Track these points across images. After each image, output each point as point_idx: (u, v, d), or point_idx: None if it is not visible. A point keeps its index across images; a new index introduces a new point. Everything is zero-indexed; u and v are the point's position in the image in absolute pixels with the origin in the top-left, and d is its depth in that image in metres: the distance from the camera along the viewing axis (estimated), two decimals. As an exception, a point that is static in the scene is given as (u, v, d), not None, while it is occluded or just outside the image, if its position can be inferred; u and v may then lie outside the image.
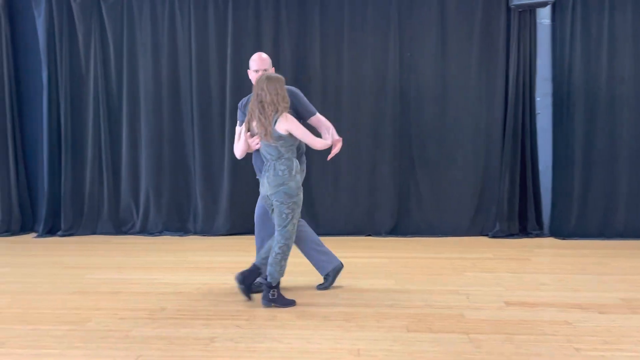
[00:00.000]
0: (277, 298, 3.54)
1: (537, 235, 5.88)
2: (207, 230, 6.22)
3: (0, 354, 2.79)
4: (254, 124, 3.48)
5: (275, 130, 3.40)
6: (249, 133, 3.57)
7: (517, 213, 5.92)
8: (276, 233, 3.53)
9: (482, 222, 6.00)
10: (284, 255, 3.51)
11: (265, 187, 3.52)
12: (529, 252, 5.18)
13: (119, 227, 6.33)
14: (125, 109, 6.24)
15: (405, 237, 5.95)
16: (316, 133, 3.71)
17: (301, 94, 3.80)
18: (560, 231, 5.87)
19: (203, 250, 5.40)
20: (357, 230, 6.07)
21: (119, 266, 4.70)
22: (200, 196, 6.20)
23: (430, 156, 6.01)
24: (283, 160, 3.46)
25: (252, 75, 3.80)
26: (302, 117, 3.76)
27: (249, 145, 3.60)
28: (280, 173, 3.44)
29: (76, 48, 6.23)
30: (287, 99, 3.47)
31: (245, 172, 6.13)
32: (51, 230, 6.24)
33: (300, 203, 3.52)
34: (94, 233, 6.27)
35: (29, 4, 6.21)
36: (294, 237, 3.55)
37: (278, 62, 6.06)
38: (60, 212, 6.25)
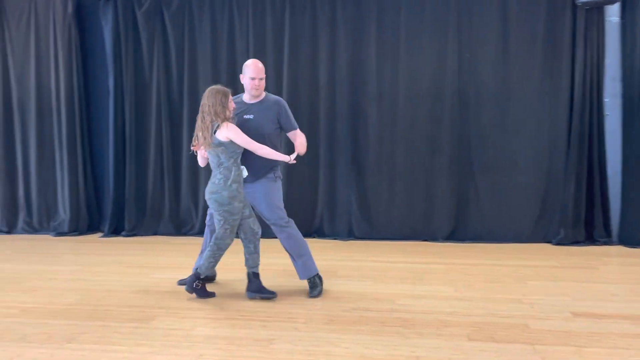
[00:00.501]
0: (199, 289, 3.81)
1: (605, 243, 5.60)
2: (263, 232, 6.23)
3: (72, 348, 2.92)
4: (200, 133, 3.70)
5: (215, 138, 3.62)
6: (197, 143, 3.77)
7: (583, 219, 5.66)
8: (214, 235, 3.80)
9: (545, 229, 5.78)
10: (213, 254, 3.77)
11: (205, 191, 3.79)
12: (597, 261, 4.94)
13: (179, 228, 6.51)
14: (186, 114, 6.42)
15: (463, 242, 5.81)
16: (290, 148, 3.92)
17: (287, 107, 3.94)
18: (630, 239, 5.56)
19: (260, 252, 5.45)
20: (412, 234, 5.98)
21: (179, 266, 4.83)
22: (256, 199, 6.28)
23: (490, 160, 5.84)
24: (222, 169, 3.68)
25: (247, 82, 3.89)
26: (283, 128, 3.92)
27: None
28: (216, 181, 3.69)
29: (140, 55, 6.47)
30: (229, 110, 3.68)
31: (300, 177, 6.19)
32: (116, 230, 6.50)
33: (235, 211, 3.70)
34: (155, 234, 6.48)
35: (97, 13, 6.51)
36: (226, 241, 3.78)
37: (334, 66, 6.09)
38: (124, 213, 6.50)
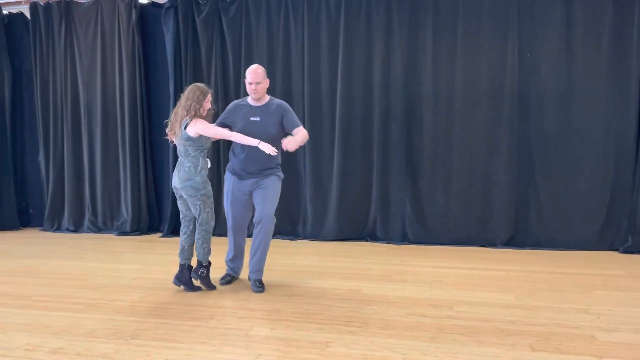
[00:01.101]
0: (204, 277, 4.09)
1: (678, 252, 5.29)
2: (316, 234, 6.32)
3: (136, 344, 3.03)
4: (174, 124, 4.01)
5: (185, 133, 3.90)
6: (171, 133, 4.05)
7: (654, 227, 5.37)
8: (197, 222, 4.03)
9: (611, 236, 5.51)
10: (204, 239, 4.05)
11: (175, 181, 4.02)
12: (669, 271, 4.67)
13: (235, 229, 6.62)
14: (242, 117, 6.53)
15: (523, 249, 5.63)
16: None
17: (289, 109, 4.14)
18: None
19: (312, 254, 5.49)
20: (469, 240, 5.85)
21: (236, 267, 4.92)
22: (309, 201, 6.33)
23: (552, 163, 5.63)
24: (190, 158, 3.94)
25: (247, 86, 4.11)
26: (285, 128, 4.09)
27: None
28: (186, 169, 3.93)
29: (199, 60, 6.64)
30: (203, 108, 3.93)
31: (354, 178, 6.18)
32: (174, 230, 6.69)
33: (210, 194, 4.01)
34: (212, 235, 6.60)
35: (159, 20, 6.74)
36: (211, 223, 4.05)
37: (388, 68, 6.04)
38: (183, 214, 6.68)
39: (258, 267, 4.14)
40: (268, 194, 4.07)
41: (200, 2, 6.59)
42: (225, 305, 3.73)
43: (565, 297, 3.87)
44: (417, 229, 6.00)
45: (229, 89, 6.61)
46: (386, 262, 5.09)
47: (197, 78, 6.64)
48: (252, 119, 4.04)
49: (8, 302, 3.86)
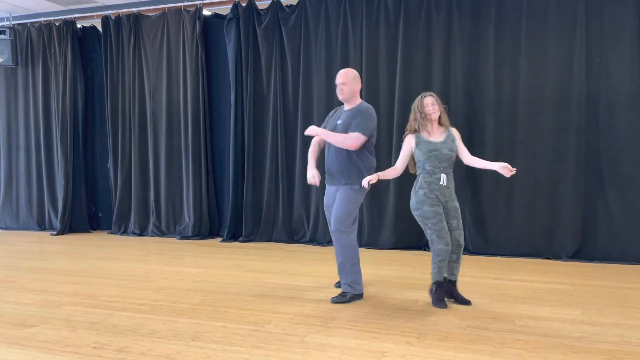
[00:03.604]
0: (432, 293, 3.88)
1: None
2: (373, 243, 6.28)
3: (197, 346, 3.10)
4: None
5: None
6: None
7: None
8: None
9: (688, 250, 5.16)
10: (433, 261, 3.81)
11: None
12: None
13: (292, 235, 6.70)
14: (300, 126, 6.61)
15: (591, 262, 5.36)
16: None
17: (365, 114, 4.03)
18: None
19: (369, 262, 5.44)
20: (533, 252, 5.63)
21: (294, 273, 4.97)
22: (366, 209, 6.30)
23: (623, 173, 5.34)
24: (417, 176, 3.91)
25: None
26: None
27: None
28: (413, 187, 3.89)
29: (259, 70, 6.78)
30: (416, 121, 3.85)
31: (409, 188, 6.07)
32: (234, 235, 6.85)
33: (429, 215, 3.75)
34: (269, 240, 6.72)
35: (222, 31, 6.94)
36: (438, 246, 3.75)
37: (449, 74, 5.94)
38: (242, 220, 6.83)
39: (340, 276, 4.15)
40: (336, 206, 4.04)
41: (261, 12, 6.74)
42: (283, 311, 3.76)
43: (636, 314, 3.64)
44: (478, 239, 5.85)
45: (287, 98, 6.70)
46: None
47: (257, 87, 6.79)
48: (337, 122, 4.09)
49: (78, 301, 4.06)
